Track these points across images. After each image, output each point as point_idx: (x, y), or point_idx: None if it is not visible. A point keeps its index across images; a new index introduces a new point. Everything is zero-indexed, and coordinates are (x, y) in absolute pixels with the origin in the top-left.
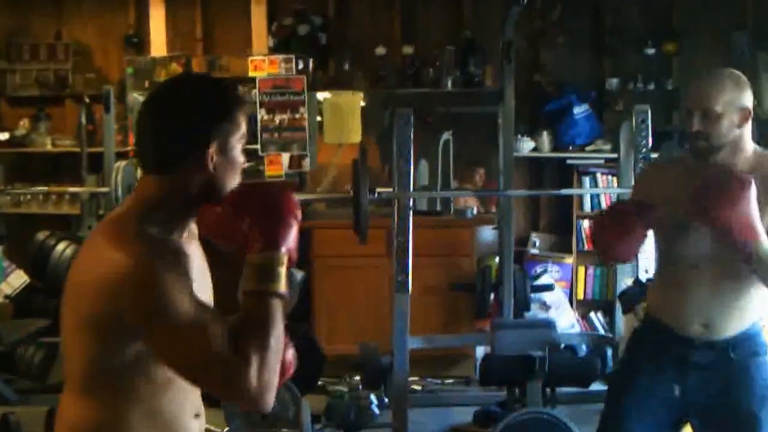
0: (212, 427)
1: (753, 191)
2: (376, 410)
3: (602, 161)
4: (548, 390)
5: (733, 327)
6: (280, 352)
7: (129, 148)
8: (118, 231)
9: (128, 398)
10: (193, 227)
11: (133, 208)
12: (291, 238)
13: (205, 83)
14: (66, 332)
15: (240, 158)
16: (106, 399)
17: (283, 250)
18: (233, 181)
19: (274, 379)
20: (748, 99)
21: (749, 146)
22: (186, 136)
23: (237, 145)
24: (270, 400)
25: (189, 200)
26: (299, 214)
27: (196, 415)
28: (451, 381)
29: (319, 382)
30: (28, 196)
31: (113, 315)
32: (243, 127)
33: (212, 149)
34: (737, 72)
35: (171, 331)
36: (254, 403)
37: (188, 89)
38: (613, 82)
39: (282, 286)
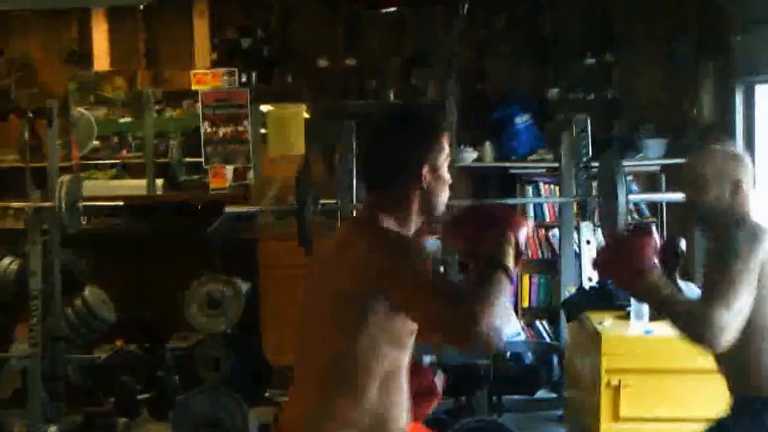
0: None
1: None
2: None
3: (544, 170)
4: (494, 398)
5: None
6: (502, 309)
7: (72, 163)
8: (360, 232)
9: (371, 387)
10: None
11: (365, 217)
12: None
13: (417, 112)
14: (307, 332)
15: (447, 175)
16: (357, 388)
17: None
18: (443, 196)
19: (495, 328)
20: None
21: None
22: (404, 159)
23: (444, 164)
24: (494, 343)
25: (409, 213)
26: (518, 222)
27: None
28: None
29: (267, 394)
30: None
31: (365, 295)
32: (447, 149)
33: (425, 169)
34: None
35: (417, 283)
36: (483, 342)
37: (403, 118)
38: (554, 92)
39: (509, 263)
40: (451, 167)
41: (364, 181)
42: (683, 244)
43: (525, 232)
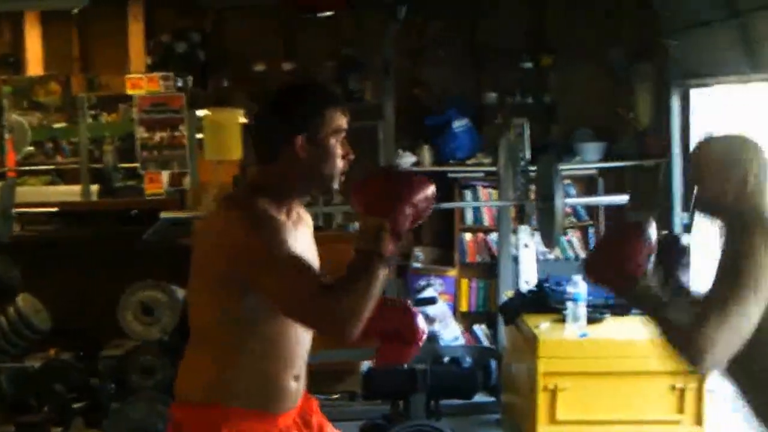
0: None
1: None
2: None
3: (482, 174)
4: (432, 402)
5: None
6: (371, 299)
7: (6, 169)
8: (232, 208)
9: (239, 350)
10: (304, 215)
11: (242, 192)
12: (399, 213)
13: (296, 88)
14: (192, 293)
15: (335, 149)
16: (219, 350)
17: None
18: (330, 169)
19: (360, 319)
20: None
21: None
22: (276, 130)
23: (330, 137)
24: (354, 333)
25: (288, 184)
26: (421, 197)
27: (296, 378)
28: (336, 396)
29: None
30: None
31: (232, 273)
32: (336, 122)
33: (301, 141)
34: None
35: (270, 268)
36: (340, 332)
37: (282, 92)
38: (492, 96)
39: (381, 248)
40: (346, 140)
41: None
42: (686, 239)
43: (422, 200)
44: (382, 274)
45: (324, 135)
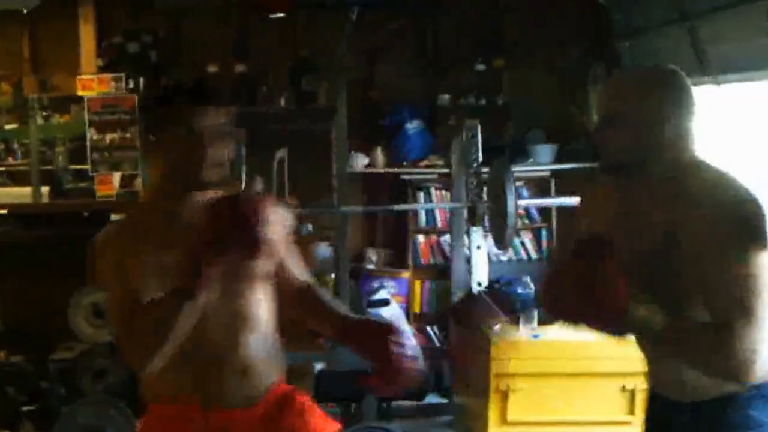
0: None
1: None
2: None
3: (436, 176)
4: (384, 404)
5: None
6: (170, 336)
7: None
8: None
9: None
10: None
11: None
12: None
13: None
14: None
15: (199, 146)
16: None
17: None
18: (193, 166)
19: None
20: None
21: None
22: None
23: (193, 134)
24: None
25: (156, 183)
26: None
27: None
28: None
29: None
30: None
31: None
32: (199, 120)
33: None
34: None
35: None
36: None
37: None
38: (445, 98)
39: (188, 283)
40: (216, 140)
41: None
42: None
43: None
44: (189, 309)
45: (185, 132)
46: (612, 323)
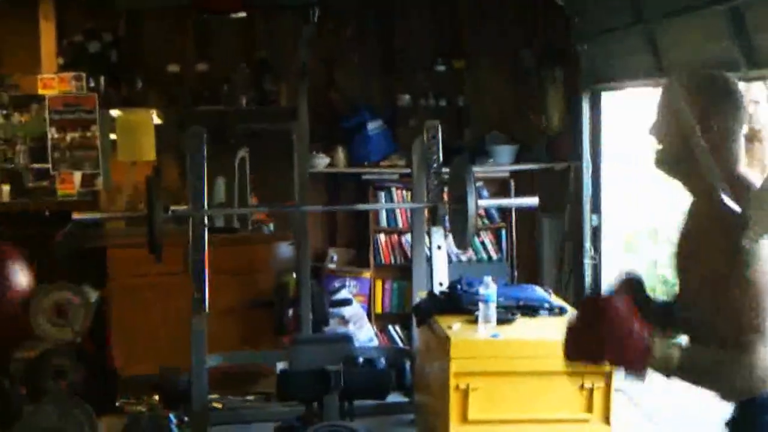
0: None
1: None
2: (176, 429)
3: (397, 176)
4: (346, 403)
5: None
6: None
7: None
8: None
9: None
10: None
11: None
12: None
13: None
14: None
15: None
16: None
17: None
18: None
19: None
20: None
21: None
22: None
23: None
24: None
25: None
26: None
27: None
28: (251, 398)
29: (117, 404)
30: None
31: None
32: None
33: None
34: None
35: None
36: None
37: None
38: (405, 99)
39: None
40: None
41: None
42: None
43: None
44: None
45: None
46: (633, 364)
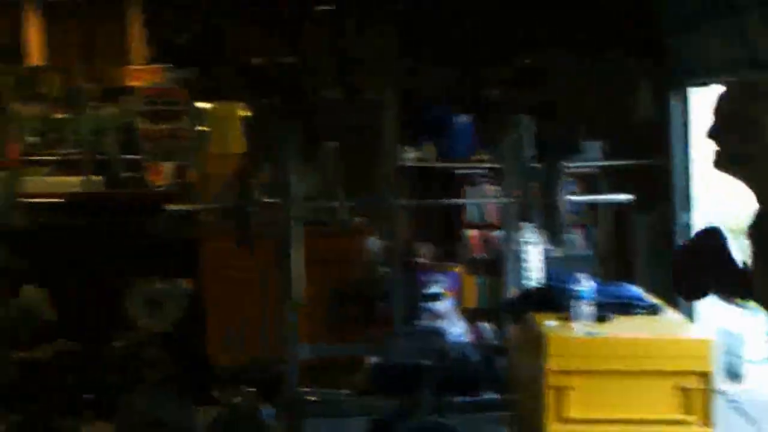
0: None
1: None
2: (269, 421)
3: (485, 170)
4: (439, 398)
5: None
6: None
7: (8, 159)
8: None
9: None
10: None
11: None
12: None
13: None
14: None
15: None
16: None
17: None
18: None
19: None
20: None
21: None
22: None
23: None
24: None
25: None
26: None
27: None
28: (345, 391)
29: (212, 394)
30: None
31: None
32: None
33: None
34: None
35: None
36: None
37: None
38: (494, 93)
39: None
40: None
41: None
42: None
43: None
44: None
45: None
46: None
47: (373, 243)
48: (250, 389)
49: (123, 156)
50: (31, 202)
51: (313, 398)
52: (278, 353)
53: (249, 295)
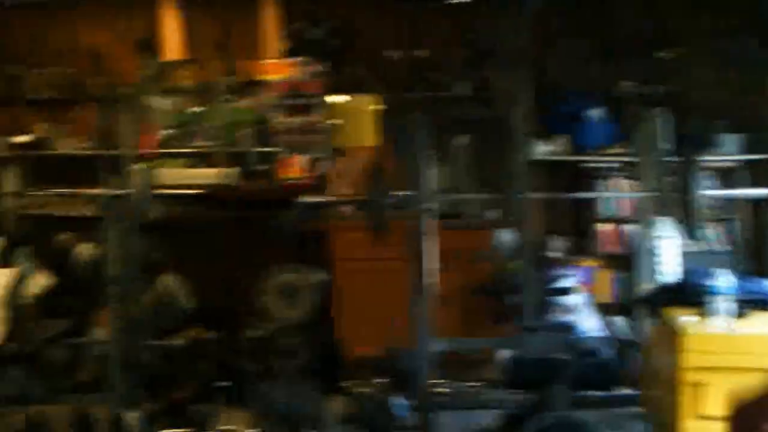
0: (240, 428)
1: None
2: (401, 412)
3: (618, 164)
4: (572, 393)
5: None
6: None
7: (145, 151)
8: None
9: None
10: None
11: None
12: None
13: None
14: None
15: None
16: None
17: None
18: None
19: None
20: None
21: None
22: None
23: None
24: None
25: None
26: None
27: None
28: (475, 384)
29: (344, 384)
30: (47, 198)
31: None
32: None
33: None
34: None
35: None
36: None
37: None
38: (627, 85)
39: None
40: None
41: None
42: None
43: None
44: None
45: None
46: None
47: (505, 237)
48: (382, 380)
49: (256, 149)
50: (167, 194)
51: (444, 390)
52: (410, 345)
53: (381, 287)
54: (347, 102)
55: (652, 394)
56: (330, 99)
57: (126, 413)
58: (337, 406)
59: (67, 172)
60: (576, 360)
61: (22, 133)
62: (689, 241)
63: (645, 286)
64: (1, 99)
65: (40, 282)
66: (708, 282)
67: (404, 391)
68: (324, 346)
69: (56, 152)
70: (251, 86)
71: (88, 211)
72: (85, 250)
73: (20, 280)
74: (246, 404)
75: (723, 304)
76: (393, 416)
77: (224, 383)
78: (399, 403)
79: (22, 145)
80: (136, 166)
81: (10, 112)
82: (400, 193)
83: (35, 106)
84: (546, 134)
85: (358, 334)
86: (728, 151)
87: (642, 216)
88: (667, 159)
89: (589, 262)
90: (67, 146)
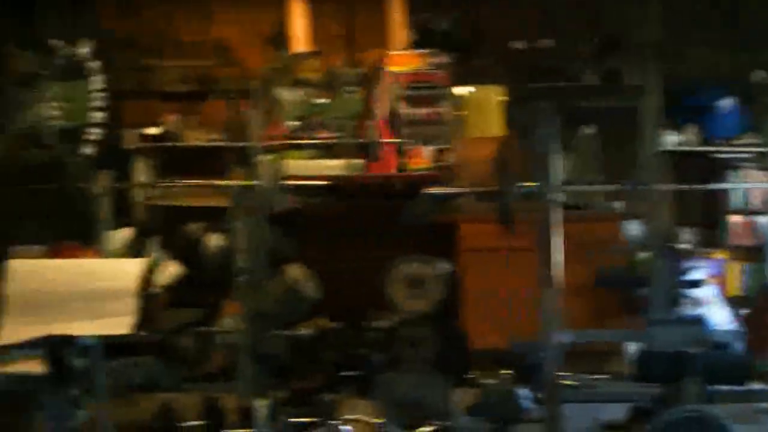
0: (365, 417)
1: None
2: (527, 404)
3: (751, 155)
4: (703, 387)
5: None
6: None
7: (273, 142)
8: None
9: None
10: None
11: None
12: None
13: None
14: None
15: None
16: None
17: None
18: None
19: None
20: None
21: None
22: None
23: None
24: None
25: None
26: None
27: None
28: (602, 377)
29: (470, 375)
30: (177, 189)
31: None
32: None
33: None
34: None
35: None
36: None
37: None
38: (760, 75)
39: None
40: None
41: None
42: None
43: None
44: None
45: None
46: None
47: (634, 228)
48: (508, 372)
49: (382, 140)
50: (294, 185)
51: (571, 383)
52: (537, 337)
53: (509, 279)
54: (473, 93)
55: None
56: (456, 90)
57: (254, 402)
58: (462, 397)
59: (196, 164)
60: (706, 353)
61: (153, 125)
62: None
63: None
64: (134, 91)
65: (170, 272)
66: None
67: (529, 382)
68: (449, 337)
69: (186, 144)
70: (377, 78)
71: (216, 203)
72: (213, 240)
73: (151, 270)
74: (371, 394)
75: None
76: (519, 408)
77: (350, 373)
78: (524, 394)
79: (153, 137)
80: (264, 158)
81: (142, 104)
82: (527, 183)
83: (166, 99)
84: (674, 125)
85: (484, 325)
86: None
87: None
88: None
89: (719, 254)
90: (196, 138)
